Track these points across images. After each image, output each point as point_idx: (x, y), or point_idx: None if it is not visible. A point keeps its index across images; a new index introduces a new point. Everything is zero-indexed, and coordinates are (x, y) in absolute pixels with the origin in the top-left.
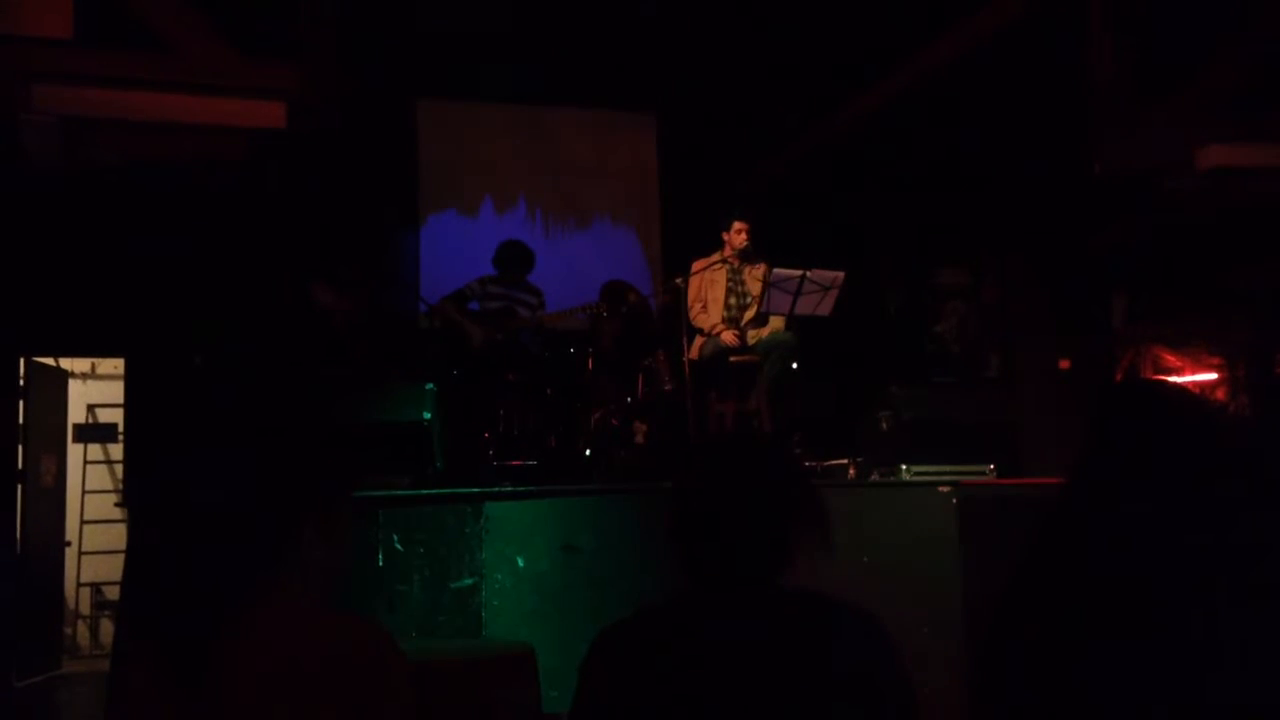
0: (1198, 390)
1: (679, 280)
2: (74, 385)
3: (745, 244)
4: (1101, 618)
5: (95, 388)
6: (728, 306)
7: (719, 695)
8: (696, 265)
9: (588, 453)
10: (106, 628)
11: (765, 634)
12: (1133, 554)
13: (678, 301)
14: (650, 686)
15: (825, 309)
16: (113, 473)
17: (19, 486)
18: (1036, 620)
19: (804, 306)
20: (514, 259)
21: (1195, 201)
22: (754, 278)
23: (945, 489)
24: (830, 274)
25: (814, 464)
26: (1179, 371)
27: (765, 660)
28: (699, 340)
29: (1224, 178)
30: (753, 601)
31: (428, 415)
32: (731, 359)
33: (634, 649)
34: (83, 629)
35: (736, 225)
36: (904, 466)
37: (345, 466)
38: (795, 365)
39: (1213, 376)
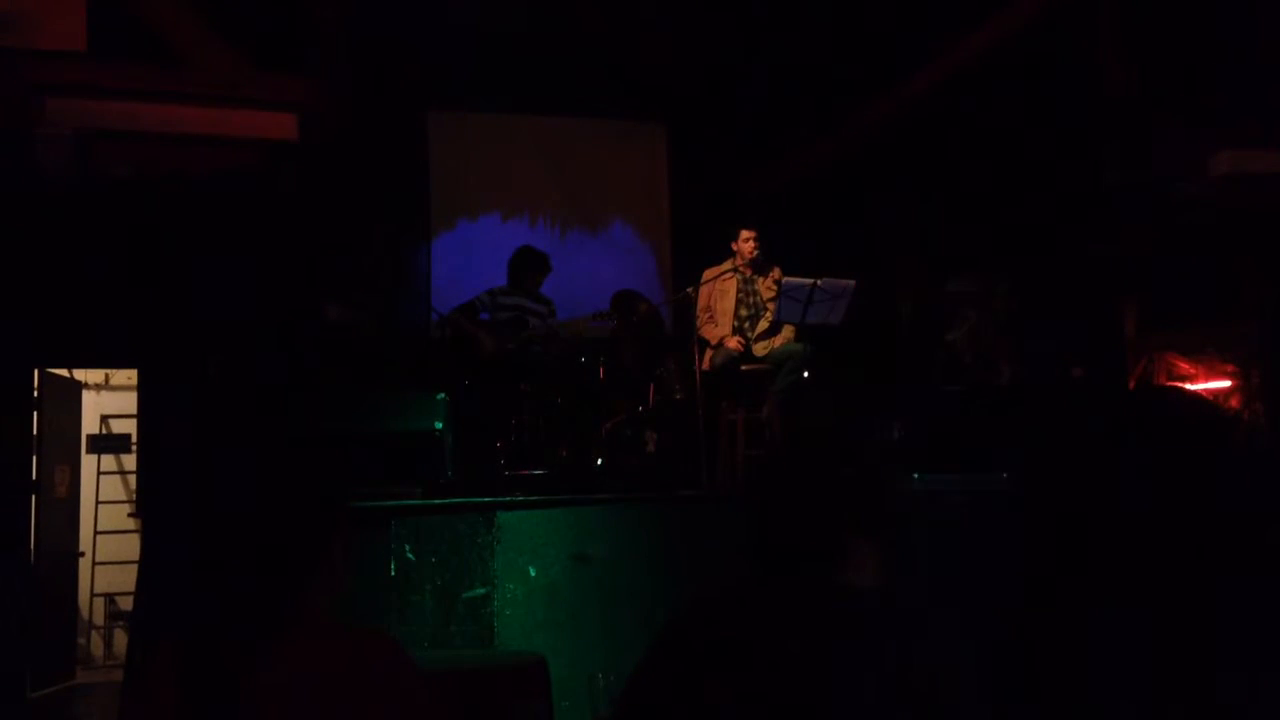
0: (1211, 397)
1: (690, 290)
2: (87, 396)
3: (755, 252)
4: (1112, 613)
5: (108, 398)
6: (738, 317)
7: (779, 689)
8: (707, 274)
9: (599, 462)
10: (120, 638)
11: (828, 629)
12: (1139, 551)
13: (689, 309)
14: (711, 678)
15: (836, 317)
16: (126, 483)
17: (33, 497)
18: (1056, 617)
19: (815, 315)
20: (529, 264)
21: (1207, 208)
22: (767, 286)
23: (957, 498)
24: (841, 282)
25: None
26: (1192, 379)
27: (826, 655)
28: (709, 350)
29: (1236, 184)
30: (815, 595)
31: (439, 425)
32: (743, 368)
33: (698, 639)
34: (96, 639)
35: (744, 234)
36: (915, 475)
37: (350, 483)
38: (807, 374)
39: (1226, 384)
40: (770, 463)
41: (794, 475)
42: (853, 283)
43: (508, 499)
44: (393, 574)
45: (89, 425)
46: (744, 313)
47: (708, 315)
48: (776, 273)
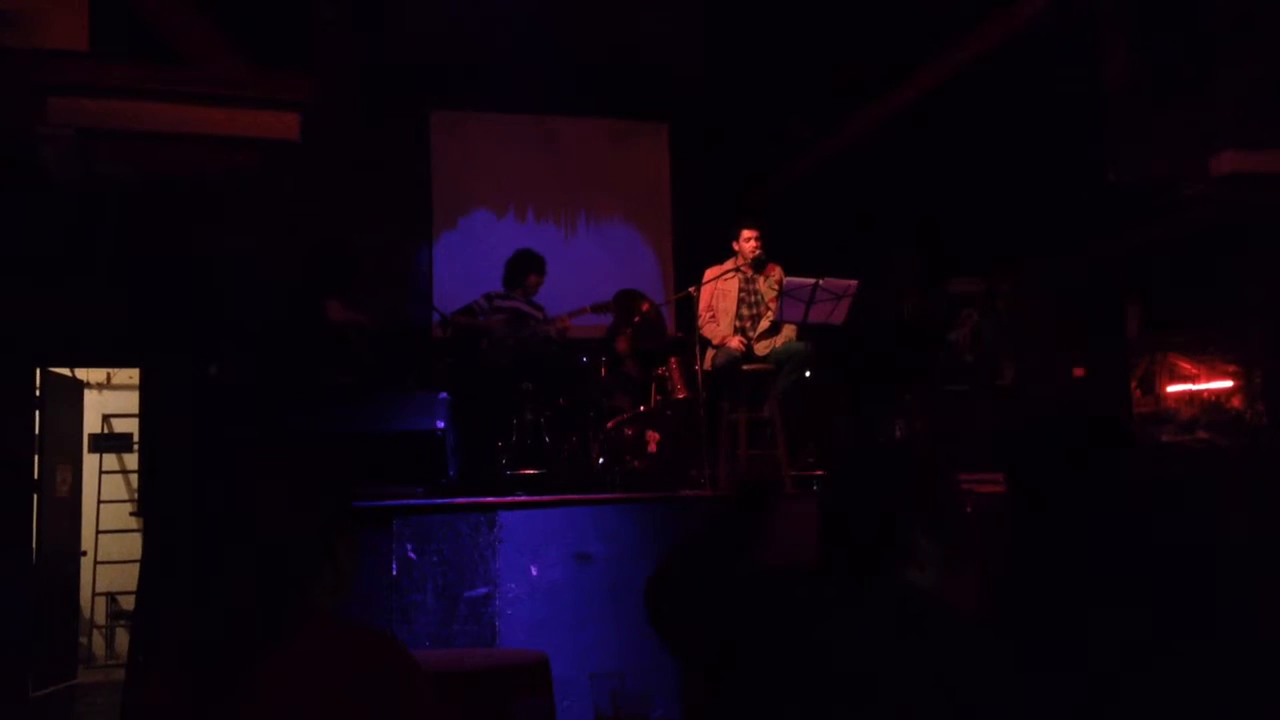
0: (1213, 397)
1: (692, 289)
2: (89, 395)
3: (756, 251)
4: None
5: (110, 398)
6: (739, 316)
7: (826, 677)
8: (709, 273)
9: (601, 462)
10: (122, 637)
11: (868, 623)
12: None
13: (691, 309)
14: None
15: (838, 317)
16: (128, 482)
17: (35, 496)
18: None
19: (817, 315)
20: (525, 266)
21: (1210, 208)
22: (768, 285)
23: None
24: (843, 282)
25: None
26: (1195, 379)
27: (875, 650)
28: (711, 350)
29: (1238, 184)
30: (874, 591)
31: (441, 424)
32: (744, 367)
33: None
34: (98, 638)
35: (745, 233)
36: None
37: (352, 482)
38: (809, 374)
39: (1229, 384)
40: (842, 459)
41: (865, 472)
42: (855, 282)
43: (509, 498)
44: (394, 573)
45: (91, 424)
46: (745, 312)
47: (710, 314)
48: (778, 272)
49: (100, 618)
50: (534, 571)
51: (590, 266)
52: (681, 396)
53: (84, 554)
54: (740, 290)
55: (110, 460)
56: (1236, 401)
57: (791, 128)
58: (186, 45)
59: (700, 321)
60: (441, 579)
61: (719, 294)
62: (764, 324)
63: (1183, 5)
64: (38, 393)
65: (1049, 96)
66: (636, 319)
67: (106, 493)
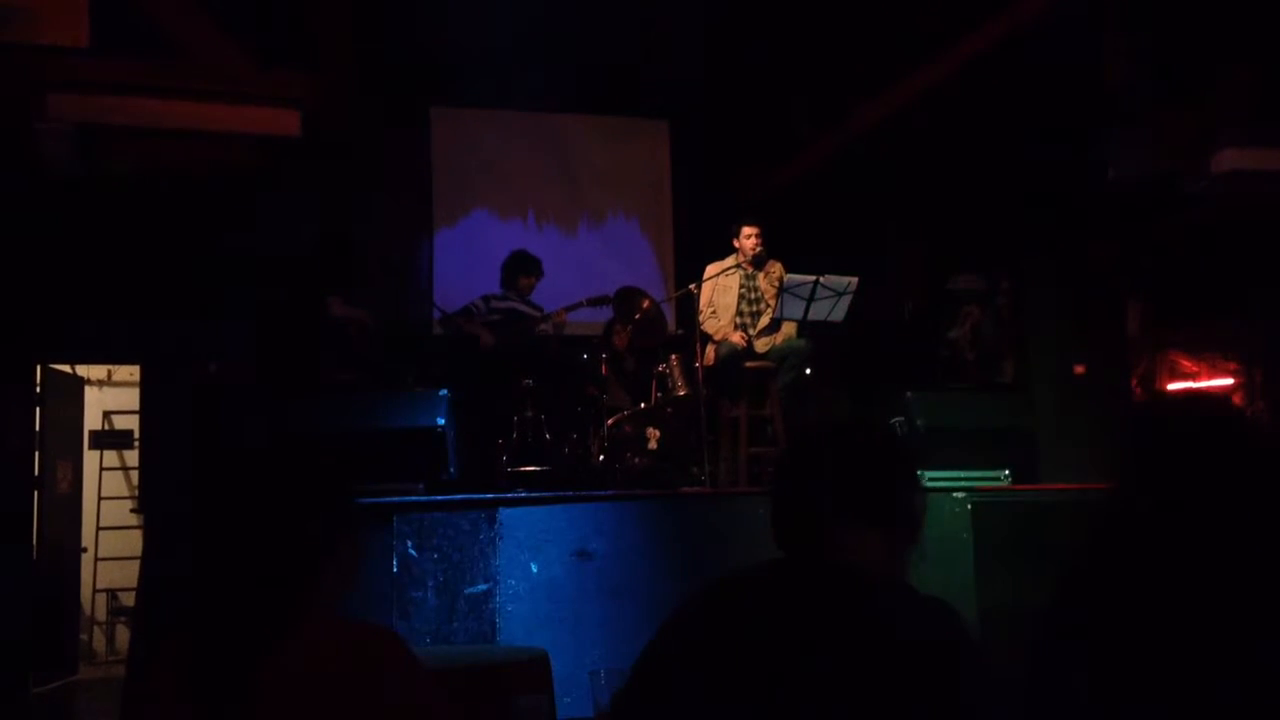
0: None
1: (693, 286)
2: (90, 392)
3: (757, 248)
4: (1151, 623)
5: (111, 394)
6: (740, 312)
7: (778, 672)
8: (710, 270)
9: (601, 459)
10: (123, 634)
11: (827, 609)
12: (1175, 561)
13: (691, 306)
14: (714, 649)
15: (839, 315)
16: (128, 479)
17: (35, 493)
18: (1090, 626)
19: (818, 312)
20: (520, 267)
21: (1210, 206)
22: (769, 282)
23: (960, 495)
24: (844, 279)
25: None
26: (1195, 377)
27: (827, 634)
28: (712, 346)
29: (1240, 182)
30: (826, 577)
31: (441, 421)
32: (746, 364)
33: (708, 611)
34: (99, 635)
35: (746, 230)
36: (918, 473)
37: (354, 479)
38: (809, 371)
39: (1229, 382)
40: (783, 450)
41: (800, 460)
42: (855, 280)
43: (510, 495)
44: (395, 570)
45: (91, 421)
46: (746, 309)
47: (710, 311)
48: (779, 269)
49: (101, 614)
50: (534, 568)
51: (591, 263)
52: (682, 393)
53: (84, 550)
54: (741, 287)
55: (111, 457)
56: (1237, 399)
57: (792, 125)
58: (187, 42)
59: (701, 318)
60: (442, 576)
61: (719, 290)
62: (764, 321)
63: (1183, 5)
64: (38, 389)
65: (1049, 95)
66: (637, 316)
67: (107, 489)
